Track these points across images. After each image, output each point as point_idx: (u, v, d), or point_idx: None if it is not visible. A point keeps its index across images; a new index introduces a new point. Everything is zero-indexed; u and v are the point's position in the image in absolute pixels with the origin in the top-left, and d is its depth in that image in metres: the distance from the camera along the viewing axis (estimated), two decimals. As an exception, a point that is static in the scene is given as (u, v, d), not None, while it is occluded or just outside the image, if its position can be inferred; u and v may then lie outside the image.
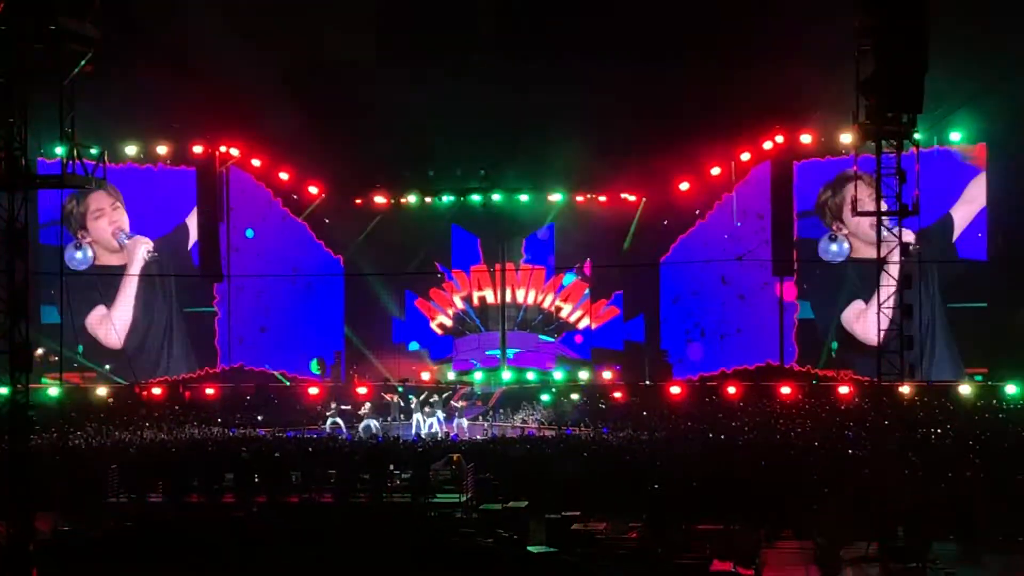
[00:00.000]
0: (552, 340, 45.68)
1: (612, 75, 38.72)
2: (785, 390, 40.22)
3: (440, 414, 38.22)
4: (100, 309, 43.37)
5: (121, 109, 38.47)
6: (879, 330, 32.67)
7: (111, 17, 21.16)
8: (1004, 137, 38.36)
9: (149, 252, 43.70)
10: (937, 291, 39.74)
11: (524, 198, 45.13)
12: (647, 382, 43.20)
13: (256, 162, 44.46)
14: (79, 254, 43.10)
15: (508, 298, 45.86)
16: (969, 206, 39.69)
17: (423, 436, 36.60)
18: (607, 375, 44.08)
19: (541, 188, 44.80)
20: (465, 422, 39.10)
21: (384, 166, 43.76)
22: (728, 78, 38.23)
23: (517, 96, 39.86)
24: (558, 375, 44.51)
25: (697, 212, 43.43)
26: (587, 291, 45.65)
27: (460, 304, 46.15)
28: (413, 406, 38.90)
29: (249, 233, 44.90)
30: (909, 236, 36.16)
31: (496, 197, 45.01)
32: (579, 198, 44.95)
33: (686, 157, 42.36)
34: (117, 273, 43.71)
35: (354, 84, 39.84)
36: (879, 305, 30.49)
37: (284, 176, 44.61)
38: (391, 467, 28.49)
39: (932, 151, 38.39)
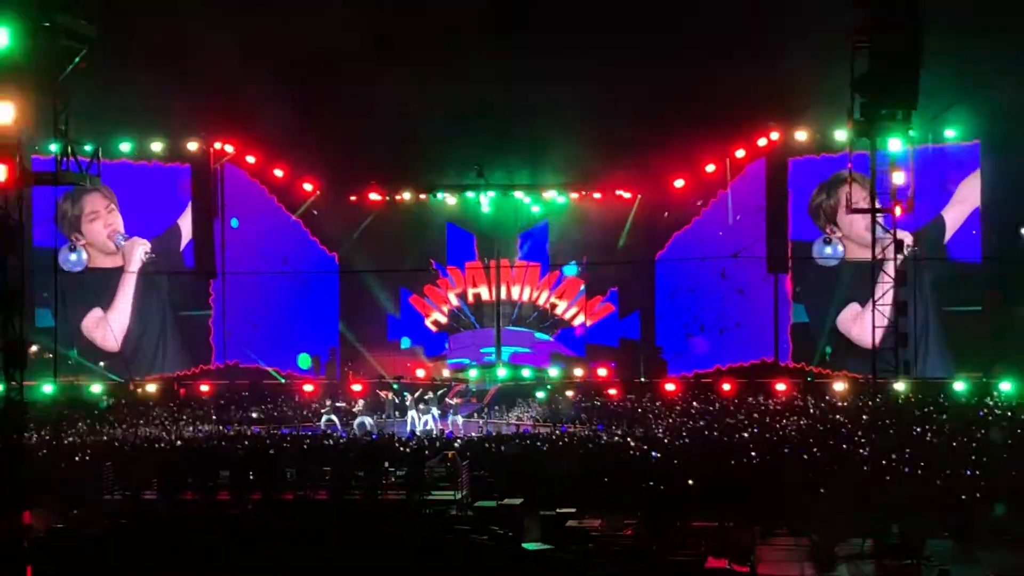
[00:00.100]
0: (549, 339, 45.67)
1: (607, 72, 38.67)
2: (780, 387, 40.24)
3: (435, 411, 38.21)
4: (96, 312, 43.28)
5: (115, 106, 38.37)
6: (874, 328, 32.74)
7: (105, 13, 21.13)
8: (999, 134, 38.36)
9: (147, 253, 43.61)
10: (930, 292, 39.74)
11: (519, 195, 45.17)
12: (642, 379, 43.20)
13: (251, 159, 44.44)
14: (73, 256, 42.95)
15: (503, 295, 45.87)
16: (961, 207, 39.67)
17: (418, 433, 36.59)
18: (602, 372, 44.08)
19: (536, 185, 44.83)
20: (460, 419, 39.10)
21: (379, 163, 43.73)
22: (723, 75, 38.19)
23: (512, 93, 39.84)
24: (553, 372, 44.51)
25: (700, 202, 43.37)
26: (583, 288, 45.68)
27: (455, 301, 46.16)
28: (408, 403, 38.91)
29: (234, 223, 44.70)
30: (904, 237, 36.35)
31: (491, 194, 45.06)
32: (574, 195, 44.98)
33: (681, 154, 42.35)
34: (111, 269, 43.62)
35: (349, 81, 39.76)
36: (873, 303, 30.56)
37: (279, 173, 44.59)
38: (386, 464, 28.51)
39: (926, 148, 38.43)
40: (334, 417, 38.43)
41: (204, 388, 42.77)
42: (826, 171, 41.23)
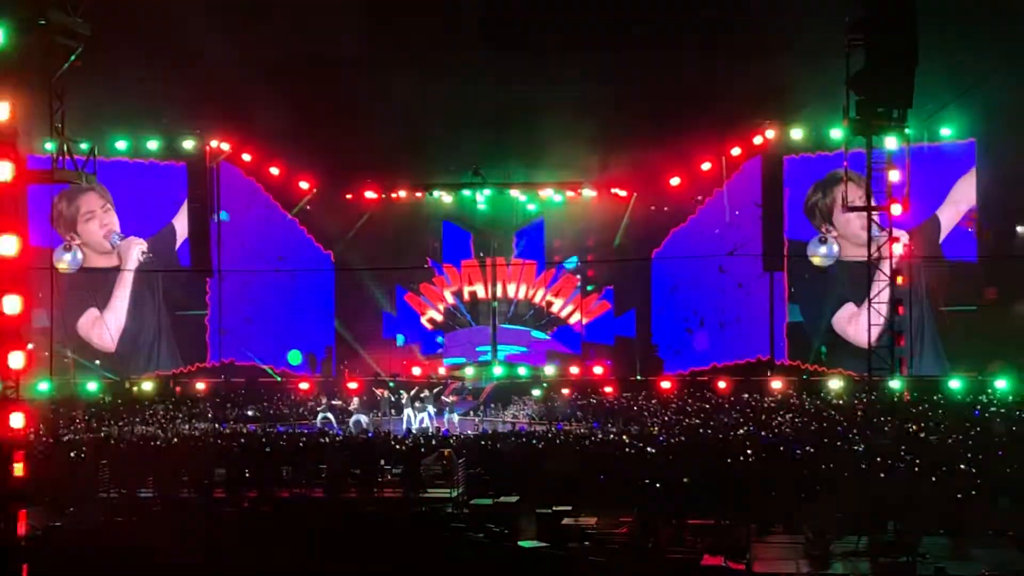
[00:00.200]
0: (545, 337, 45.68)
1: (603, 70, 38.73)
2: (776, 384, 40.29)
3: (431, 409, 38.22)
4: (92, 312, 43.26)
5: (111, 104, 38.37)
6: (869, 325, 32.83)
7: (100, 11, 21.12)
8: (994, 133, 38.39)
9: (144, 253, 43.58)
10: (925, 291, 39.78)
11: (515, 193, 45.19)
12: (638, 377, 43.23)
13: (247, 156, 44.43)
14: (68, 256, 42.93)
15: (499, 293, 45.87)
16: (956, 207, 39.72)
17: (414, 431, 36.59)
18: (598, 370, 44.09)
19: (532, 183, 44.85)
20: (456, 417, 39.13)
21: (375, 161, 43.72)
22: (719, 72, 38.26)
23: (508, 91, 39.85)
24: (549, 370, 44.53)
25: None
26: (578, 286, 45.69)
27: (451, 299, 46.16)
28: (404, 401, 38.91)
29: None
30: (900, 235, 36.42)
31: (487, 192, 45.07)
32: (570, 193, 45.00)
33: (677, 152, 42.37)
34: (107, 269, 43.58)
35: (344, 78, 39.78)
36: (869, 301, 30.65)
37: (275, 171, 44.58)
38: (382, 462, 28.51)
39: (922, 147, 38.46)
40: (330, 415, 38.43)
41: (200, 386, 42.77)
42: (822, 169, 41.25)
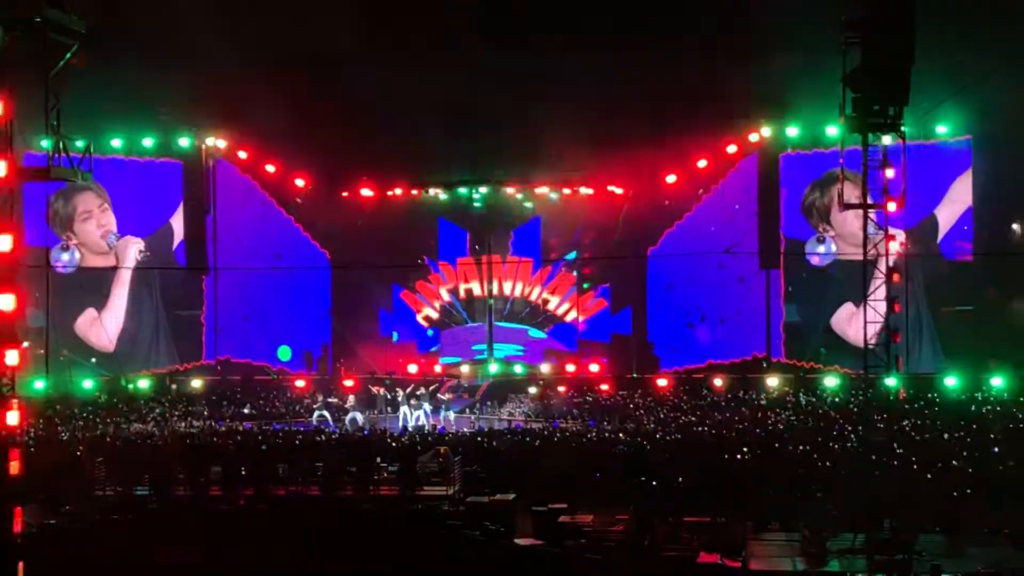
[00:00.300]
0: (541, 334, 45.65)
1: (599, 68, 38.71)
2: (772, 382, 40.29)
3: (427, 407, 38.23)
4: (90, 312, 43.22)
5: (107, 101, 38.31)
6: (865, 323, 32.83)
7: (96, 8, 21.06)
8: (990, 131, 38.40)
9: (141, 252, 43.54)
10: (923, 290, 39.78)
11: (511, 191, 45.17)
12: (634, 375, 43.22)
13: (243, 154, 44.38)
14: (65, 256, 42.85)
15: (495, 290, 45.85)
16: (953, 206, 39.74)
17: (410, 429, 36.59)
18: (594, 368, 44.08)
19: (528, 181, 44.82)
20: (452, 415, 39.13)
21: (371, 159, 43.68)
22: (715, 70, 38.22)
23: (503, 89, 39.80)
24: (545, 368, 44.51)
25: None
26: (574, 284, 45.67)
27: (447, 296, 46.13)
28: (400, 399, 38.91)
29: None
30: (897, 234, 36.44)
31: (483, 190, 45.05)
32: (566, 191, 44.98)
33: (673, 149, 42.36)
34: (104, 269, 43.53)
35: (341, 76, 39.73)
36: (865, 298, 30.66)
37: (271, 168, 44.54)
38: (378, 460, 28.49)
39: (918, 145, 38.47)
40: (326, 413, 38.44)
41: (196, 384, 42.74)
42: (818, 166, 41.26)
